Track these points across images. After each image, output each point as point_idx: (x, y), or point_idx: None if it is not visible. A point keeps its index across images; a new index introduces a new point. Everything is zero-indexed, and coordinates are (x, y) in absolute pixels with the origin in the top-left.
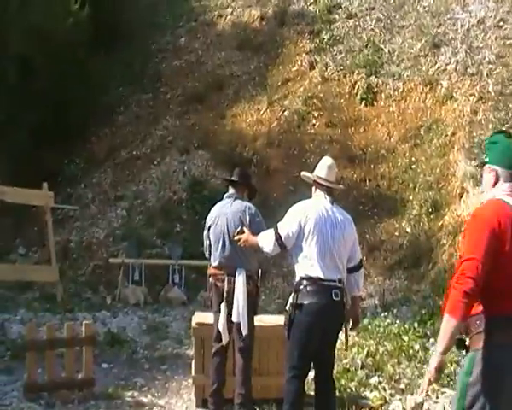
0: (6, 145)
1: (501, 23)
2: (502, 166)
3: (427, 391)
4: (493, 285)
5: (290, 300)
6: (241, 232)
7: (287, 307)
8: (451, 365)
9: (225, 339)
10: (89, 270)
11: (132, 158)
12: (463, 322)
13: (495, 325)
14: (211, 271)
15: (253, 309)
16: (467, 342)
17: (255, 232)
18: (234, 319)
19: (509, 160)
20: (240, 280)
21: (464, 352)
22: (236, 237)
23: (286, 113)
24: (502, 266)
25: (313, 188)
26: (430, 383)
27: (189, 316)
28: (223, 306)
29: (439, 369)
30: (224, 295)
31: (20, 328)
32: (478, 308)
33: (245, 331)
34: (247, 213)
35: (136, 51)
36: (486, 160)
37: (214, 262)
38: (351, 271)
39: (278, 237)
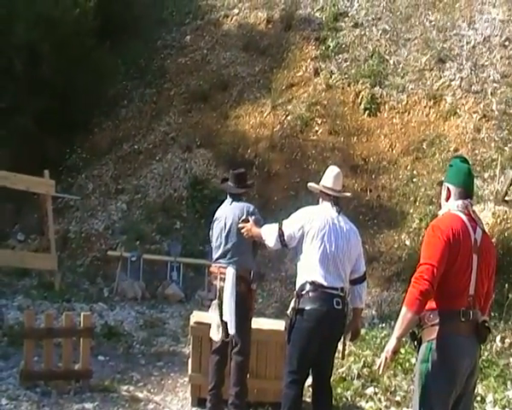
0: (9, 132)
1: (507, 42)
2: (453, 184)
3: (383, 369)
4: (447, 286)
5: (292, 304)
6: (246, 221)
7: (288, 312)
8: None
9: (217, 337)
10: (87, 261)
11: (134, 152)
12: (418, 315)
13: (448, 318)
14: (210, 269)
15: (244, 311)
16: (418, 334)
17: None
18: (223, 317)
19: (459, 179)
20: (229, 279)
21: (415, 342)
22: (240, 225)
23: (289, 117)
24: (454, 271)
25: (320, 199)
26: (386, 361)
27: (186, 314)
28: (214, 303)
29: (395, 351)
30: (217, 293)
31: (18, 314)
32: (431, 305)
33: (232, 331)
34: (244, 211)
35: (142, 46)
36: (443, 179)
37: (213, 261)
38: (354, 283)
39: (281, 234)
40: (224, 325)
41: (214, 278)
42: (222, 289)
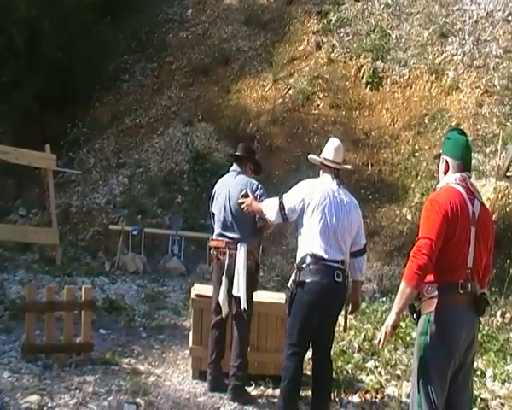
0: (11, 107)
1: (509, 17)
2: (451, 157)
3: (383, 344)
4: (445, 259)
5: (292, 277)
6: (246, 196)
7: (289, 284)
8: None
9: (225, 311)
10: (88, 235)
11: (135, 126)
12: (417, 290)
13: (446, 291)
14: (212, 243)
15: (251, 285)
16: (417, 307)
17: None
18: (234, 292)
19: (457, 152)
20: (241, 254)
21: (414, 315)
22: (240, 200)
23: (291, 91)
24: (453, 244)
25: (320, 171)
26: (386, 336)
27: (187, 287)
28: (224, 279)
29: (394, 326)
30: (225, 268)
31: (19, 288)
32: (429, 277)
33: (244, 306)
34: (248, 187)
35: (143, 20)
36: (441, 151)
37: (216, 235)
38: (354, 255)
39: (282, 208)
40: (235, 299)
41: (221, 253)
42: (231, 264)
